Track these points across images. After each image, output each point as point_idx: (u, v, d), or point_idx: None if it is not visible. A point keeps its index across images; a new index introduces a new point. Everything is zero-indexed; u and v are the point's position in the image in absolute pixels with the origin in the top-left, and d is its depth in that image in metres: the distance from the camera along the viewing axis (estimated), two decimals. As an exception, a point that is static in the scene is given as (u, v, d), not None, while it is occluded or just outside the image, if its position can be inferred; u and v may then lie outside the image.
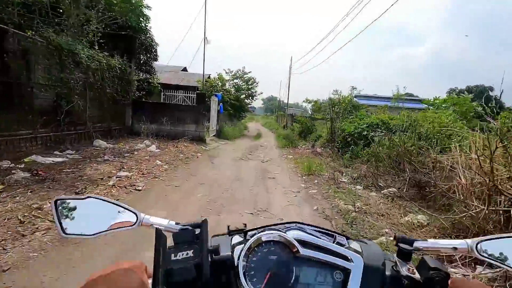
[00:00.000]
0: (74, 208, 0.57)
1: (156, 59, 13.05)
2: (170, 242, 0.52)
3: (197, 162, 7.31)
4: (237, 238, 0.61)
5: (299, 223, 0.63)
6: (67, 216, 0.57)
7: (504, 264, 0.53)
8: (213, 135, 13.51)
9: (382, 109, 13.40)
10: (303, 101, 18.08)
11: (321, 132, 14.26)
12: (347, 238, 0.61)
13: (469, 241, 0.55)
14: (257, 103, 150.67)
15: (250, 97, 21.04)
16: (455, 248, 0.56)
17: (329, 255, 0.55)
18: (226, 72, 20.55)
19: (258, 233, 0.57)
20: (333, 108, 9.71)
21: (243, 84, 20.74)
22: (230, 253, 0.55)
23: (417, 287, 0.51)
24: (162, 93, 13.75)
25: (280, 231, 0.57)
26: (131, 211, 0.59)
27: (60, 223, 0.56)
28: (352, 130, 9.92)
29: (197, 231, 0.54)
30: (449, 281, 0.50)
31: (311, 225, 0.63)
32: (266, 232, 0.56)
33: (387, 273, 0.54)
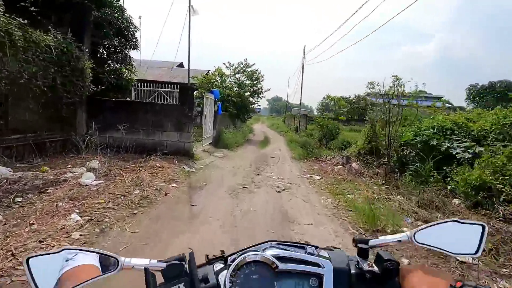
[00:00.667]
0: (50, 264, 0.54)
1: (135, 47, 9.91)
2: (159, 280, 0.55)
3: (161, 207, 3.98)
4: (218, 265, 0.63)
5: (272, 241, 0.66)
6: (43, 273, 0.52)
7: (439, 248, 0.62)
8: (208, 144, 10.30)
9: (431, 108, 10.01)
10: (324, 97, 14.72)
11: (352, 139, 11.00)
12: (316, 248, 0.66)
13: (408, 233, 0.64)
14: (262, 103, 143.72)
15: (256, 95, 17.75)
16: (399, 241, 0.65)
17: (303, 265, 0.60)
18: (227, 66, 17.36)
19: (238, 256, 0.60)
20: (390, 105, 6.36)
21: (246, 79, 17.50)
22: (215, 281, 0.58)
23: (377, 277, 0.59)
24: (133, 89, 10.47)
25: (257, 251, 0.61)
26: (111, 256, 0.59)
27: (35, 283, 0.51)
28: (410, 137, 6.60)
29: (184, 264, 0.58)
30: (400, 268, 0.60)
31: (282, 241, 0.67)
32: (248, 253, 0.60)
33: (352, 271, 0.61)
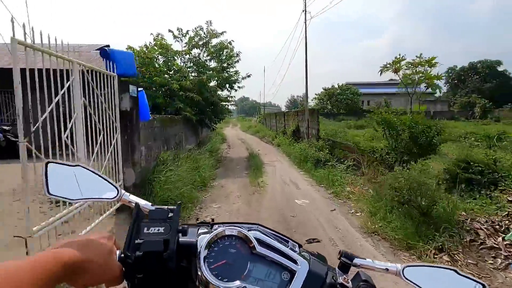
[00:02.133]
0: (63, 173, 0.62)
1: None
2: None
3: None
4: (203, 229, 0.65)
5: (260, 225, 0.68)
6: (54, 178, 0.61)
7: None
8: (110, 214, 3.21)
9: None
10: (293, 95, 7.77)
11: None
12: (300, 246, 0.67)
13: (398, 265, 0.62)
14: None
15: (228, 85, 10.77)
16: (386, 269, 0.63)
17: (281, 256, 0.60)
18: (176, 36, 10.14)
19: (223, 227, 0.63)
20: None
21: (212, 58, 10.46)
22: (196, 240, 0.60)
23: None
24: None
25: (242, 229, 0.62)
26: (114, 185, 0.65)
27: (47, 184, 0.60)
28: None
29: (170, 212, 0.61)
30: None
31: (270, 229, 0.69)
32: (229, 227, 0.63)
33: (327, 280, 0.59)
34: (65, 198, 0.63)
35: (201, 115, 9.89)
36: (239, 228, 0.62)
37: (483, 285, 0.58)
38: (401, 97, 36.66)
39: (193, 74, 9.84)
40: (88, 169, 0.64)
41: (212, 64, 10.51)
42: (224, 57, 10.49)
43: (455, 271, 0.60)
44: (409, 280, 0.60)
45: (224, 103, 11.45)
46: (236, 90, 11.22)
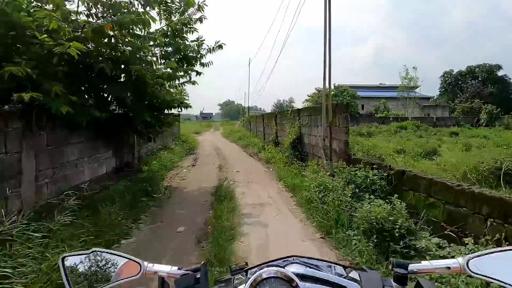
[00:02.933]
0: (80, 263, 0.60)
1: None
2: None
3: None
4: (239, 277, 0.62)
5: (297, 256, 0.64)
6: (74, 272, 0.59)
7: (499, 281, 0.52)
8: None
9: None
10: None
11: None
12: (345, 268, 0.62)
13: (460, 259, 0.57)
14: (213, 109, 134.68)
15: (185, 62, 5.90)
16: (448, 268, 0.57)
17: (328, 286, 0.55)
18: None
19: (258, 269, 0.58)
20: None
21: (164, 13, 5.53)
22: None
23: None
24: None
25: (279, 266, 0.57)
26: (135, 261, 0.63)
27: (68, 281, 0.57)
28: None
29: (198, 275, 0.59)
30: None
31: (309, 257, 0.64)
32: (266, 269, 0.57)
33: None
34: None
35: (121, 108, 4.99)
36: (277, 268, 0.56)
37: None
38: (397, 101, 33.46)
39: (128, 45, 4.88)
40: (104, 251, 0.62)
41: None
42: (174, 6, 5.61)
43: None
44: (478, 274, 0.54)
45: (176, 96, 6.54)
46: (198, 74, 6.40)
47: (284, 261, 0.62)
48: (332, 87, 21.76)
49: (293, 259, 0.63)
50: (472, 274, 0.54)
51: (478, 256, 0.55)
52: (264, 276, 0.54)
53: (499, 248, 0.55)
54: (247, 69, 33.07)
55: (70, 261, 0.60)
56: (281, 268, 0.55)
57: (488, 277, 0.53)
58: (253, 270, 0.60)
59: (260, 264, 0.62)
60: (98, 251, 0.62)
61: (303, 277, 0.55)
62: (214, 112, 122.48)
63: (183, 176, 7.33)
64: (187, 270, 0.62)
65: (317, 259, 0.64)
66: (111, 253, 0.62)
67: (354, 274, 0.59)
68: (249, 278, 0.55)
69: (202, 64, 6.33)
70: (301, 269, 0.58)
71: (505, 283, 0.51)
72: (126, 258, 0.62)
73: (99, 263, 0.61)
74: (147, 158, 7.77)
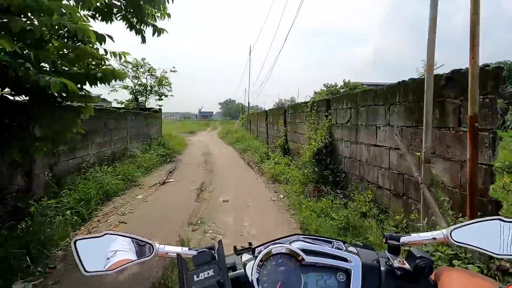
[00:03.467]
0: (93, 246, 0.59)
1: None
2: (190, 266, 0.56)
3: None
4: (246, 256, 0.64)
5: (299, 234, 0.67)
6: (87, 255, 0.58)
7: (480, 248, 0.58)
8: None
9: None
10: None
11: None
12: (344, 243, 0.65)
13: (444, 230, 0.61)
14: (214, 108, 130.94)
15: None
16: (434, 238, 0.62)
17: (330, 259, 0.58)
18: None
19: (265, 248, 0.60)
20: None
21: None
22: (243, 270, 0.59)
23: (408, 275, 0.55)
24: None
25: (284, 244, 0.61)
26: (147, 242, 0.62)
27: (81, 262, 0.57)
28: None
29: (213, 252, 0.59)
30: (435, 269, 0.56)
31: (310, 235, 0.67)
32: (272, 246, 0.60)
33: (382, 268, 0.58)
34: (102, 271, 0.58)
35: None
36: (283, 244, 0.60)
37: None
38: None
39: None
40: (116, 234, 0.62)
41: None
42: None
43: (500, 219, 0.59)
44: (459, 242, 0.60)
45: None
46: (158, 33, 3.29)
47: (288, 239, 0.65)
48: (342, 83, 17.39)
49: (297, 237, 0.65)
50: (455, 243, 0.60)
51: (460, 226, 0.61)
52: (273, 252, 0.58)
53: (478, 219, 0.60)
54: (247, 68, 29.83)
55: (82, 244, 0.59)
56: (288, 245, 0.60)
57: (468, 244, 0.59)
58: (260, 248, 0.63)
59: (265, 243, 0.64)
60: (110, 233, 0.61)
61: (308, 252, 0.59)
62: (215, 111, 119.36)
63: (126, 213, 4.13)
64: (202, 249, 0.62)
65: (318, 236, 0.67)
66: (123, 235, 0.62)
67: (351, 248, 0.63)
68: (257, 256, 0.59)
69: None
70: (305, 245, 0.61)
71: (482, 249, 0.58)
72: (138, 239, 0.62)
73: (112, 245, 0.60)
74: (71, 178, 4.56)
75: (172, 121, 55.99)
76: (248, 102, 34.95)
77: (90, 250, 0.59)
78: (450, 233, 0.60)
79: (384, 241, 0.64)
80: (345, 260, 0.58)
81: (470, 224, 0.60)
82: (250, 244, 0.68)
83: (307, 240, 0.64)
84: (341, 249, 0.61)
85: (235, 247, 0.68)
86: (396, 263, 0.57)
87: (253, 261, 0.58)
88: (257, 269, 0.56)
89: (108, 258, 0.59)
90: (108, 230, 0.64)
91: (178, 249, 0.64)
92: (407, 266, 0.56)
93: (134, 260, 0.60)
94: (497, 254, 0.57)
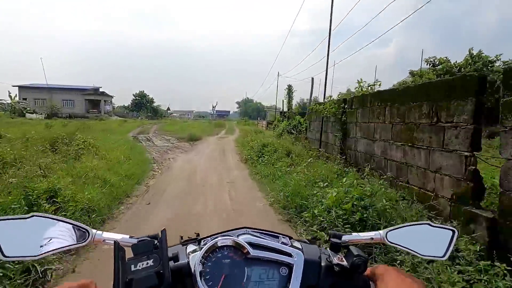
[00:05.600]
0: (16, 229, 0.53)
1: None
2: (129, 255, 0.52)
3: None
4: (191, 247, 0.62)
5: (248, 228, 0.66)
6: (8, 237, 0.51)
7: (408, 249, 0.64)
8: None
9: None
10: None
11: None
12: (290, 238, 0.66)
13: (381, 232, 0.67)
14: (231, 107, 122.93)
15: None
16: (372, 238, 0.67)
17: (275, 253, 0.59)
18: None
19: (211, 239, 0.59)
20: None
21: None
22: (187, 261, 0.57)
23: (345, 271, 0.58)
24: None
25: (231, 236, 0.60)
26: (81, 227, 0.57)
27: (0, 248, 0.50)
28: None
29: (155, 242, 0.55)
30: (370, 266, 0.58)
31: (258, 229, 0.66)
32: (219, 238, 0.59)
33: (323, 264, 0.61)
34: (25, 256, 0.53)
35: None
36: (229, 237, 0.60)
37: (453, 230, 0.64)
38: None
39: None
40: (47, 217, 0.55)
41: None
42: None
43: (429, 224, 0.66)
44: (393, 243, 0.64)
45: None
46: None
47: (237, 232, 0.64)
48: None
49: (245, 230, 0.65)
50: (389, 243, 0.65)
51: (395, 229, 0.65)
52: (219, 244, 0.58)
53: (411, 223, 0.66)
54: (266, 68, 20.52)
55: (4, 225, 0.51)
56: (234, 237, 0.59)
57: (400, 245, 0.64)
58: (206, 239, 0.62)
59: (212, 235, 0.63)
60: (39, 215, 0.54)
61: (253, 246, 0.59)
62: (232, 110, 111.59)
63: None
64: (143, 237, 0.57)
65: (266, 231, 0.67)
66: (54, 219, 0.56)
67: (297, 243, 0.65)
68: (203, 247, 0.57)
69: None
70: (252, 239, 0.60)
71: (410, 249, 0.64)
72: (72, 224, 0.57)
73: (40, 229, 0.54)
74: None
75: (181, 119, 47.62)
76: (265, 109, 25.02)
77: (12, 233, 0.52)
78: (386, 234, 0.65)
79: (327, 238, 0.68)
80: (289, 255, 0.59)
81: (403, 227, 0.66)
82: (197, 234, 0.67)
83: (254, 233, 0.64)
84: (287, 244, 0.62)
85: (181, 237, 0.67)
86: (335, 260, 0.59)
87: (197, 252, 0.57)
88: (201, 260, 0.56)
89: (34, 243, 0.52)
90: (36, 212, 0.54)
91: (117, 236, 0.59)
92: (345, 263, 0.58)
93: (65, 246, 0.55)
94: (423, 255, 0.64)
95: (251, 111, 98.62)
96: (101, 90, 41.17)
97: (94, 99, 39.96)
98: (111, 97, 44.58)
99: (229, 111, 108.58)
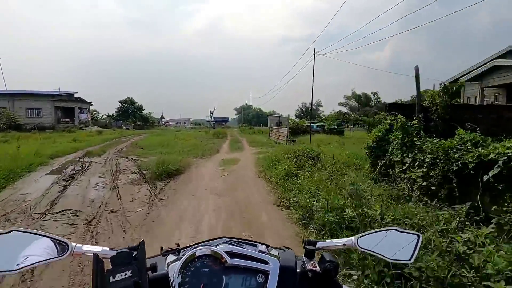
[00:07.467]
0: None
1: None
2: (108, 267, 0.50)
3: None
4: (171, 257, 0.64)
5: (227, 237, 0.69)
6: None
7: (377, 254, 0.67)
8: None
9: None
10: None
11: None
12: (267, 246, 0.69)
13: (353, 238, 0.70)
14: (230, 114, 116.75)
15: None
16: (344, 244, 0.71)
17: (252, 261, 0.62)
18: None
19: (190, 250, 0.62)
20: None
21: None
22: (166, 271, 0.59)
23: (318, 277, 0.62)
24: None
25: (210, 246, 0.62)
26: (60, 241, 0.57)
27: None
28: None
29: (134, 253, 0.57)
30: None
31: (237, 238, 0.70)
32: (198, 248, 0.62)
33: (298, 270, 0.64)
34: (4, 271, 0.52)
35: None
36: (208, 247, 0.61)
37: (418, 235, 0.68)
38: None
39: None
40: (25, 231, 0.55)
41: None
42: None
43: (396, 229, 0.69)
44: (364, 248, 0.68)
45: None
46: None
47: (215, 242, 0.64)
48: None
49: (224, 239, 0.66)
50: (360, 248, 0.68)
51: (366, 235, 0.69)
52: (198, 254, 0.60)
53: (381, 229, 0.69)
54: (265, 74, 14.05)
55: None
56: (213, 247, 0.61)
57: (371, 250, 0.67)
58: (186, 249, 0.63)
59: (192, 245, 0.65)
60: (18, 230, 0.55)
61: (232, 255, 0.60)
62: (230, 117, 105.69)
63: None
64: (122, 249, 0.58)
65: (244, 240, 0.69)
66: (33, 233, 0.56)
67: (274, 251, 0.67)
68: (182, 257, 0.59)
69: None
70: (230, 248, 0.61)
71: (379, 254, 0.66)
72: (51, 238, 0.57)
73: (20, 243, 0.54)
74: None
75: (175, 128, 41.01)
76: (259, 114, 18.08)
77: None
78: (357, 240, 0.69)
79: (303, 245, 0.71)
80: (265, 262, 0.61)
81: (373, 232, 0.70)
82: (177, 245, 0.69)
83: (233, 243, 0.66)
84: (264, 252, 0.65)
85: (161, 248, 0.69)
86: (309, 266, 0.63)
87: (176, 263, 0.59)
88: (180, 270, 0.57)
89: (13, 257, 0.52)
90: (15, 227, 0.54)
91: (97, 248, 0.59)
92: (317, 268, 0.62)
93: (44, 260, 0.55)
94: (391, 259, 0.67)
95: (250, 117, 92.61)
96: (77, 96, 34.22)
97: (66, 107, 32.98)
98: (89, 103, 37.57)
99: (227, 118, 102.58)
